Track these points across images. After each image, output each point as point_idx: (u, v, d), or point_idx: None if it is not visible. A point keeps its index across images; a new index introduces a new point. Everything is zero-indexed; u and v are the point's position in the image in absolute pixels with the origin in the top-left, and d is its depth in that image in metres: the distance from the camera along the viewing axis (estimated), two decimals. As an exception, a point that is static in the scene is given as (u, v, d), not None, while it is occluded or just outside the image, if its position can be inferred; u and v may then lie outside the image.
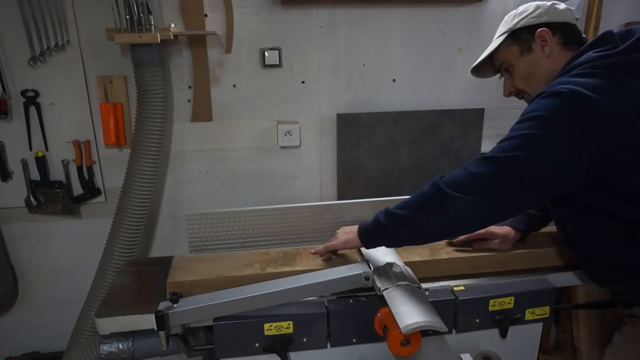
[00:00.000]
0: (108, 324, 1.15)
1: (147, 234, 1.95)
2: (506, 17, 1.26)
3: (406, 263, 1.28)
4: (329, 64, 1.92)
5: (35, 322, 1.99)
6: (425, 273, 1.31)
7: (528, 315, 1.26)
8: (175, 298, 1.10)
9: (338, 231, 1.34)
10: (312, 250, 1.37)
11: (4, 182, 1.83)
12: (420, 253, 1.37)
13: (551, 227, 1.43)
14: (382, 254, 1.31)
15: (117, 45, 1.74)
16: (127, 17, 1.60)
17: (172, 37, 1.66)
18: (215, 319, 1.13)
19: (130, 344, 1.18)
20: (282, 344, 1.13)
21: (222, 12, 1.79)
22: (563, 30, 1.17)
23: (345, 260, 1.33)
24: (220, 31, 1.81)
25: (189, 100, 1.88)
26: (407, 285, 1.14)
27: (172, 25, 1.70)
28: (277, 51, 1.86)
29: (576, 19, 1.21)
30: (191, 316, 1.11)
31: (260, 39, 1.84)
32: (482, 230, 1.36)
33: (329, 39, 1.89)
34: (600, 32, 1.15)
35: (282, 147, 1.97)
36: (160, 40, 1.63)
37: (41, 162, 1.81)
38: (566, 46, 1.16)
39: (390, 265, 1.23)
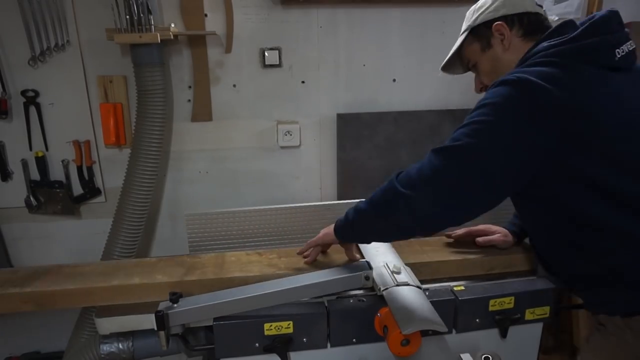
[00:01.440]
0: (108, 324, 1.15)
1: (147, 234, 1.95)
2: (467, 14, 1.23)
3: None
4: (329, 64, 1.92)
5: (35, 322, 1.99)
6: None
7: (528, 315, 1.26)
8: (175, 298, 1.10)
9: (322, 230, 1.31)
10: (297, 251, 1.35)
11: (4, 182, 1.83)
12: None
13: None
14: (382, 254, 1.31)
15: (117, 45, 1.74)
16: (127, 17, 1.60)
17: (172, 37, 1.66)
18: (215, 319, 1.13)
19: (130, 344, 1.18)
20: (282, 344, 1.13)
21: (222, 12, 1.79)
22: (522, 22, 1.13)
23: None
24: (220, 31, 1.81)
25: (189, 100, 1.88)
26: (407, 285, 1.14)
27: (172, 25, 1.70)
28: (277, 51, 1.86)
29: (540, 6, 1.16)
30: (191, 316, 1.11)
31: (260, 39, 1.84)
32: (481, 227, 1.37)
33: (329, 39, 1.89)
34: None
35: (282, 147, 1.97)
36: (160, 40, 1.63)
37: (41, 162, 1.81)
38: (527, 37, 1.13)
39: (390, 265, 1.23)
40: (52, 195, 1.85)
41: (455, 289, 1.25)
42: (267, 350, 1.13)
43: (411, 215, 1.00)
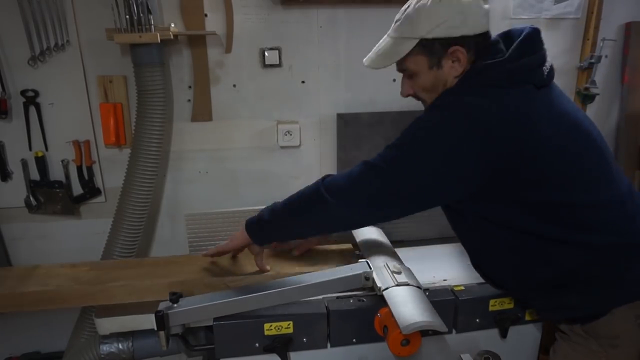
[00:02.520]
0: (108, 324, 1.16)
1: (147, 234, 1.95)
2: (411, 12, 1.06)
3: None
4: (329, 64, 1.92)
5: (35, 322, 1.99)
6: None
7: (528, 315, 1.26)
8: (175, 298, 1.10)
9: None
10: (203, 253, 1.34)
11: (3, 182, 1.83)
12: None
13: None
14: (383, 254, 1.31)
15: (117, 45, 1.74)
16: (127, 17, 1.60)
17: (172, 37, 1.66)
18: (215, 319, 1.13)
19: (130, 344, 1.18)
20: (282, 344, 1.13)
21: (222, 12, 1.79)
22: (478, 44, 1.05)
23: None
24: (220, 31, 1.81)
25: (189, 100, 1.88)
26: (407, 285, 1.14)
27: (172, 25, 1.70)
28: (277, 51, 1.85)
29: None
30: (191, 316, 1.11)
31: (260, 39, 1.84)
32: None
33: (329, 39, 1.89)
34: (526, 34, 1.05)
35: (282, 147, 1.97)
36: (160, 40, 1.63)
37: (41, 162, 1.81)
38: (475, 60, 1.07)
39: (390, 265, 1.23)
40: (52, 195, 1.84)
41: (455, 289, 1.25)
42: (267, 350, 1.13)
43: (334, 219, 1.11)
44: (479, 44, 1.06)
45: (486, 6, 1.06)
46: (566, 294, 1.06)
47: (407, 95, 1.21)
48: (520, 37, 1.02)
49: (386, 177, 1.03)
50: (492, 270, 1.20)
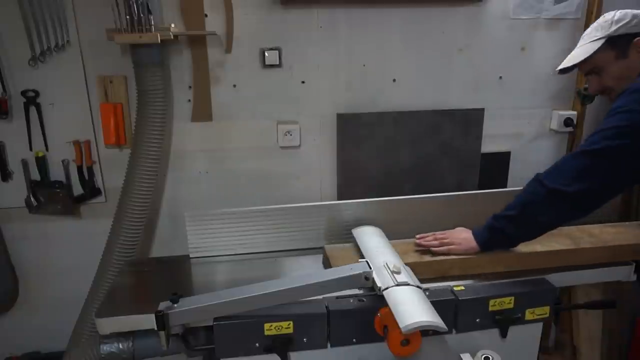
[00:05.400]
0: (108, 324, 1.15)
1: (147, 234, 1.95)
2: (599, 23, 1.33)
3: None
4: (329, 64, 1.92)
5: (36, 322, 1.99)
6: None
7: (528, 315, 1.26)
8: (176, 298, 1.10)
9: (453, 232, 1.42)
10: (422, 240, 1.43)
11: (4, 182, 1.83)
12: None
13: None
14: (383, 254, 1.31)
15: (117, 45, 1.74)
16: (127, 17, 1.60)
17: (172, 37, 1.66)
18: (215, 319, 1.13)
19: (131, 344, 1.18)
20: (282, 344, 1.13)
21: (222, 12, 1.79)
22: None
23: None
24: (220, 31, 1.81)
25: (189, 100, 1.88)
26: (407, 285, 1.14)
27: (172, 25, 1.70)
28: (277, 51, 1.86)
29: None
30: (191, 316, 1.11)
31: (260, 39, 1.84)
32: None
33: (329, 39, 1.89)
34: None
35: (282, 147, 1.97)
36: (160, 40, 1.63)
37: (41, 162, 1.81)
38: None
39: (390, 265, 1.23)
40: (52, 195, 1.84)
41: (455, 289, 1.25)
42: (267, 350, 1.13)
43: (560, 206, 1.23)
44: None
45: None
46: None
47: (596, 92, 1.38)
48: None
49: (598, 156, 1.17)
50: None
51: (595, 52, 1.30)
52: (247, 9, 1.80)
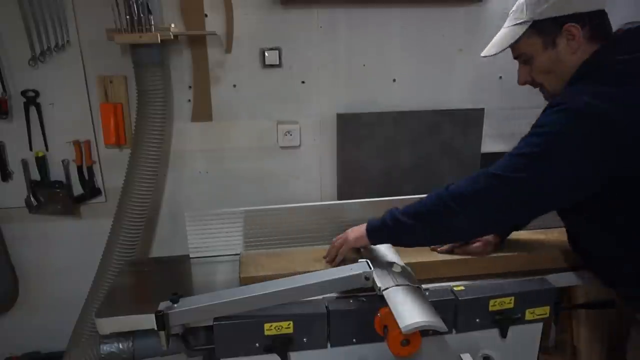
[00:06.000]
0: (108, 324, 1.15)
1: (147, 234, 1.95)
2: (523, 1, 1.10)
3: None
4: (329, 64, 1.92)
5: (36, 322, 1.99)
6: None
7: (528, 315, 1.26)
8: (176, 298, 1.10)
9: (347, 231, 1.32)
10: (326, 258, 1.36)
11: (4, 182, 1.83)
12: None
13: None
14: (383, 254, 1.31)
15: (117, 45, 1.74)
16: (127, 17, 1.60)
17: (172, 37, 1.66)
18: (215, 319, 1.13)
19: (131, 344, 1.18)
20: (282, 344, 1.13)
21: (222, 12, 1.79)
22: (592, 21, 1.05)
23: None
24: (220, 31, 1.81)
25: (189, 100, 1.88)
26: (407, 285, 1.14)
27: (172, 25, 1.70)
28: (277, 51, 1.86)
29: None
30: (191, 316, 1.11)
31: (260, 39, 1.84)
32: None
33: (329, 39, 1.89)
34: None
35: (282, 147, 1.97)
36: (160, 40, 1.63)
37: (41, 162, 1.81)
38: (592, 40, 1.05)
39: (390, 265, 1.23)
40: (52, 195, 1.84)
41: (455, 289, 1.25)
42: (267, 350, 1.13)
43: (457, 228, 1.10)
44: (594, 21, 1.05)
45: None
46: None
47: (524, 83, 1.18)
48: None
49: (514, 186, 1.00)
50: (597, 254, 1.21)
51: (519, 38, 1.09)
52: (247, 9, 1.80)
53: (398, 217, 1.15)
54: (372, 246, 1.34)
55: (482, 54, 1.20)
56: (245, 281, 1.27)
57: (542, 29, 1.07)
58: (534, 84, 1.17)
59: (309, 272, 1.24)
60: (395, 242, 1.28)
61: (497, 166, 1.03)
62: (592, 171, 0.97)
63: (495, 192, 1.02)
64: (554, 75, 1.10)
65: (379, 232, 1.22)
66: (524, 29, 1.08)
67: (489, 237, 1.36)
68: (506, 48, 1.13)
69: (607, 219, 1.09)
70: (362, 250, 1.35)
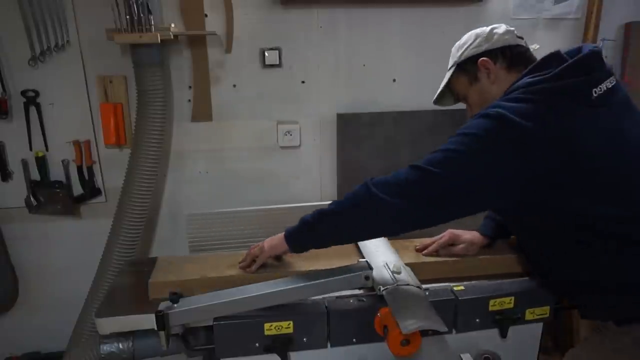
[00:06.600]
0: (108, 324, 1.15)
1: (147, 234, 1.95)
2: (452, 50, 1.30)
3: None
4: (329, 64, 1.92)
5: (35, 322, 1.99)
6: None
7: (528, 315, 1.26)
8: (176, 298, 1.10)
9: (265, 240, 1.28)
10: (239, 264, 1.31)
11: (4, 182, 1.83)
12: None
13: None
14: (383, 254, 1.31)
15: (117, 45, 1.74)
16: (127, 17, 1.60)
17: (172, 37, 1.66)
18: (215, 319, 1.13)
19: (131, 344, 1.18)
20: (282, 344, 1.13)
21: (222, 12, 1.79)
22: (505, 55, 1.20)
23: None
24: (220, 31, 1.81)
25: (189, 100, 1.88)
26: (407, 285, 1.14)
27: (172, 25, 1.70)
28: (277, 51, 1.86)
29: (521, 38, 1.23)
30: (191, 316, 1.11)
31: (260, 39, 1.84)
32: (446, 236, 1.38)
33: (329, 39, 1.89)
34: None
35: (282, 147, 1.97)
36: (160, 40, 1.63)
37: (41, 162, 1.81)
38: (511, 69, 1.19)
39: (390, 265, 1.23)
40: (52, 195, 1.84)
41: (455, 289, 1.25)
42: (267, 350, 1.13)
43: (381, 216, 1.08)
44: (507, 54, 1.20)
45: (511, 28, 1.23)
46: (612, 295, 1.08)
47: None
48: (574, 58, 1.06)
49: (432, 179, 1.05)
50: (538, 262, 1.25)
51: (449, 81, 1.29)
52: (247, 9, 1.80)
53: (321, 210, 1.15)
54: (372, 247, 1.34)
55: (433, 100, 1.40)
56: (153, 286, 1.23)
57: (465, 69, 1.25)
58: None
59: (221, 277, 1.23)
60: (319, 241, 1.20)
61: (423, 158, 1.09)
62: (502, 172, 1.01)
63: (415, 183, 1.05)
64: (485, 105, 1.16)
65: (298, 233, 1.19)
66: (452, 72, 1.28)
67: (473, 238, 1.37)
68: (442, 89, 1.33)
69: (535, 231, 1.14)
70: (361, 249, 1.35)
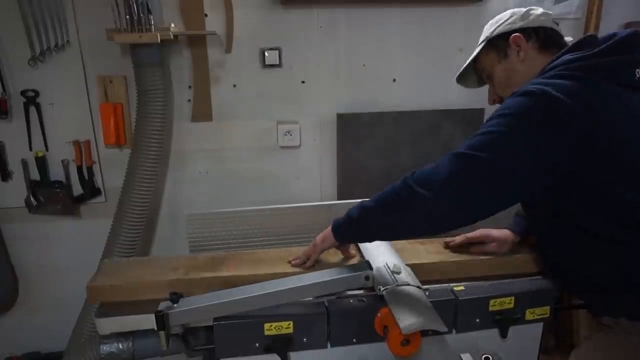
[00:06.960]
0: (108, 324, 1.15)
1: (147, 234, 1.95)
2: (485, 27, 1.28)
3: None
4: (329, 64, 1.92)
5: (35, 322, 1.99)
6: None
7: (528, 315, 1.26)
8: (176, 298, 1.10)
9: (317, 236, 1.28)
10: (292, 262, 1.30)
11: (4, 182, 1.83)
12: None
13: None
14: (382, 254, 1.31)
15: (117, 45, 1.74)
16: (127, 17, 1.60)
17: (172, 37, 1.66)
18: (215, 319, 1.13)
19: (131, 344, 1.18)
20: (282, 344, 1.13)
21: (222, 12, 1.79)
22: (539, 35, 1.17)
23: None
24: (220, 31, 1.81)
25: (189, 100, 1.88)
26: (408, 285, 1.14)
27: (172, 25, 1.70)
28: (277, 51, 1.86)
29: (557, 24, 1.21)
30: (191, 316, 1.11)
31: (260, 39, 1.84)
32: (478, 233, 1.35)
33: (329, 39, 1.89)
34: (600, 33, 1.16)
35: (282, 147, 1.97)
36: (160, 40, 1.63)
37: (41, 162, 1.81)
38: (543, 50, 1.16)
39: (390, 265, 1.23)
40: (52, 195, 1.85)
41: (455, 289, 1.25)
42: (267, 350, 1.13)
43: (423, 212, 1.04)
44: (540, 35, 1.17)
45: (549, 12, 1.20)
46: (630, 293, 1.07)
47: (493, 102, 1.29)
48: (615, 37, 1.03)
49: (480, 165, 1.00)
50: (556, 258, 1.22)
51: (478, 55, 1.26)
52: (247, 9, 1.80)
53: (364, 206, 1.12)
54: (372, 246, 1.34)
55: (456, 77, 1.36)
56: (91, 290, 1.21)
57: (495, 44, 1.22)
58: (501, 101, 1.25)
59: (161, 280, 1.20)
60: (364, 236, 1.21)
61: (462, 145, 1.03)
62: (552, 151, 0.98)
63: (457, 171, 1.00)
64: (510, 85, 1.18)
65: (344, 226, 1.18)
66: (481, 47, 1.26)
67: (505, 236, 1.34)
68: (474, 67, 1.30)
69: (563, 224, 1.10)
70: (361, 249, 1.35)
